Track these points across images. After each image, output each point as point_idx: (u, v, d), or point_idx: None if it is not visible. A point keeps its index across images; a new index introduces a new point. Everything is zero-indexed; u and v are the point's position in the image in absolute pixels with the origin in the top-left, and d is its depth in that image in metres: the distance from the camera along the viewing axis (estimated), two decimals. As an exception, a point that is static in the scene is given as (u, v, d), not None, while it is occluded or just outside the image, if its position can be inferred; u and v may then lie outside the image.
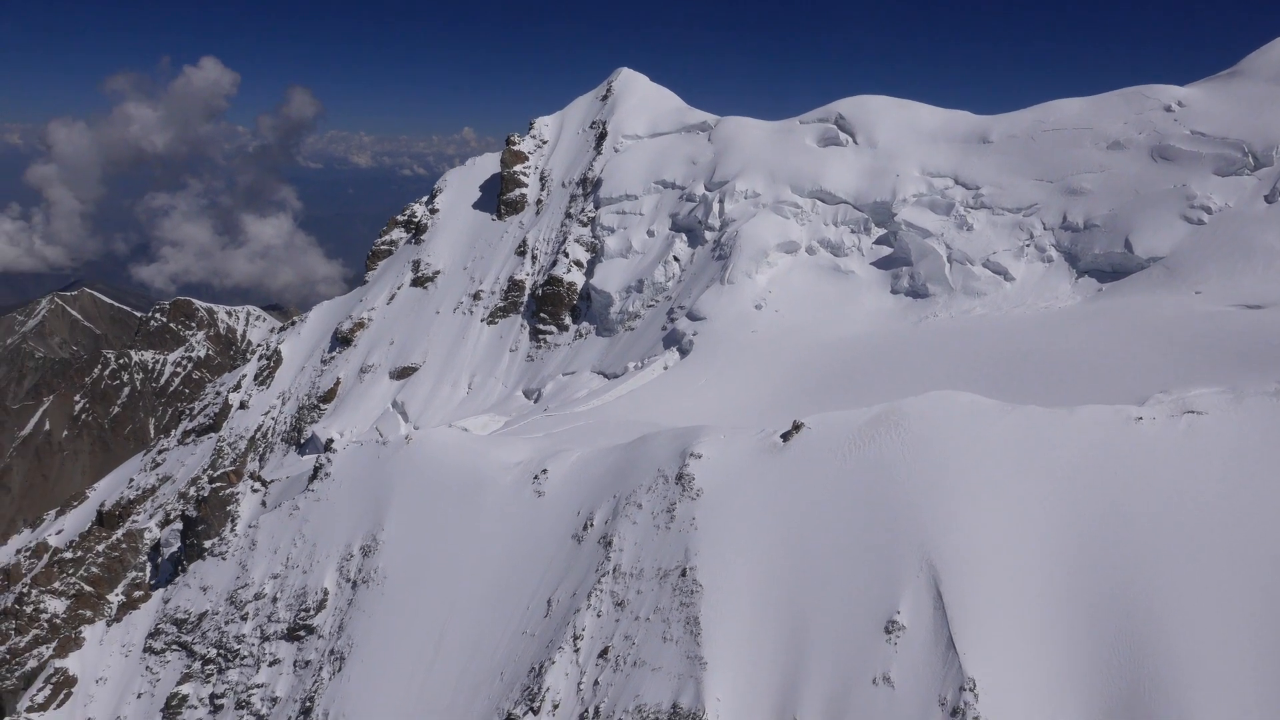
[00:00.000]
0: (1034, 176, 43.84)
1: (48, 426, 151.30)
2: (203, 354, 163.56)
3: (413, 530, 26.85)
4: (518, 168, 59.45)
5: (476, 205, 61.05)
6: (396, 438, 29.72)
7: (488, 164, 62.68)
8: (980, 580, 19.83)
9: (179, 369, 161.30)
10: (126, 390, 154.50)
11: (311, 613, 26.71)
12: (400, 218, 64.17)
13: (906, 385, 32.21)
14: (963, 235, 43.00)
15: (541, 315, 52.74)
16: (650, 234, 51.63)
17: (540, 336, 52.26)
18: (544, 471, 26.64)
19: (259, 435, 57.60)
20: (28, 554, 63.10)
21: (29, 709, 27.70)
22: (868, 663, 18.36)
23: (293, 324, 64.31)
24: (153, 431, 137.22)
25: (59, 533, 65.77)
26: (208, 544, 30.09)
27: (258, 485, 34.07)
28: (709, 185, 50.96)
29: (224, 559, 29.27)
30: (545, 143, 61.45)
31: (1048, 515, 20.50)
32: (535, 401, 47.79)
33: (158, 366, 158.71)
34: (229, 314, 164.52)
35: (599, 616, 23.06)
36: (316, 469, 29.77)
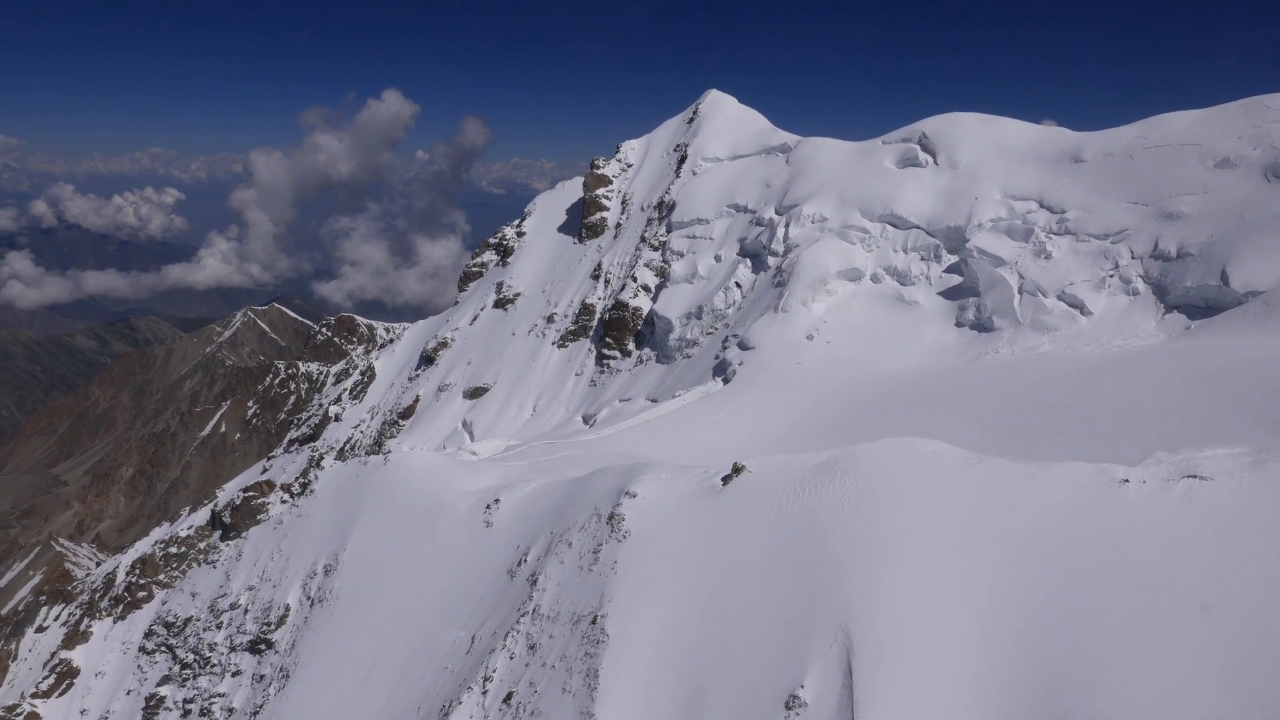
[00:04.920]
0: (1127, 199, 39.05)
1: (224, 429, 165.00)
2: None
3: (370, 552, 26.64)
4: (600, 191, 59.24)
5: (561, 229, 61.33)
6: (376, 459, 29.71)
7: (575, 188, 62.89)
8: (900, 658, 17.19)
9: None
10: (291, 398, 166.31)
11: (273, 627, 26.97)
12: (492, 240, 65.41)
13: (923, 425, 29.31)
14: (1039, 264, 38.80)
15: (607, 340, 52.06)
16: (717, 259, 49.94)
17: (604, 361, 51.56)
18: (496, 501, 25.77)
19: (348, 447, 59.90)
20: (162, 545, 68.51)
21: (33, 695, 29.42)
22: (764, 738, 16.31)
23: (391, 341, 66.75)
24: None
25: (189, 528, 71.03)
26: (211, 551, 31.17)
27: (286, 497, 35.07)
28: (779, 209, 48.77)
29: (215, 567, 30.17)
30: (630, 166, 61.00)
31: (993, 587, 17.59)
32: (590, 427, 47.06)
33: (320, 377, 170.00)
34: (386, 330, 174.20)
35: (511, 659, 21.85)
36: (304, 485, 30.22)
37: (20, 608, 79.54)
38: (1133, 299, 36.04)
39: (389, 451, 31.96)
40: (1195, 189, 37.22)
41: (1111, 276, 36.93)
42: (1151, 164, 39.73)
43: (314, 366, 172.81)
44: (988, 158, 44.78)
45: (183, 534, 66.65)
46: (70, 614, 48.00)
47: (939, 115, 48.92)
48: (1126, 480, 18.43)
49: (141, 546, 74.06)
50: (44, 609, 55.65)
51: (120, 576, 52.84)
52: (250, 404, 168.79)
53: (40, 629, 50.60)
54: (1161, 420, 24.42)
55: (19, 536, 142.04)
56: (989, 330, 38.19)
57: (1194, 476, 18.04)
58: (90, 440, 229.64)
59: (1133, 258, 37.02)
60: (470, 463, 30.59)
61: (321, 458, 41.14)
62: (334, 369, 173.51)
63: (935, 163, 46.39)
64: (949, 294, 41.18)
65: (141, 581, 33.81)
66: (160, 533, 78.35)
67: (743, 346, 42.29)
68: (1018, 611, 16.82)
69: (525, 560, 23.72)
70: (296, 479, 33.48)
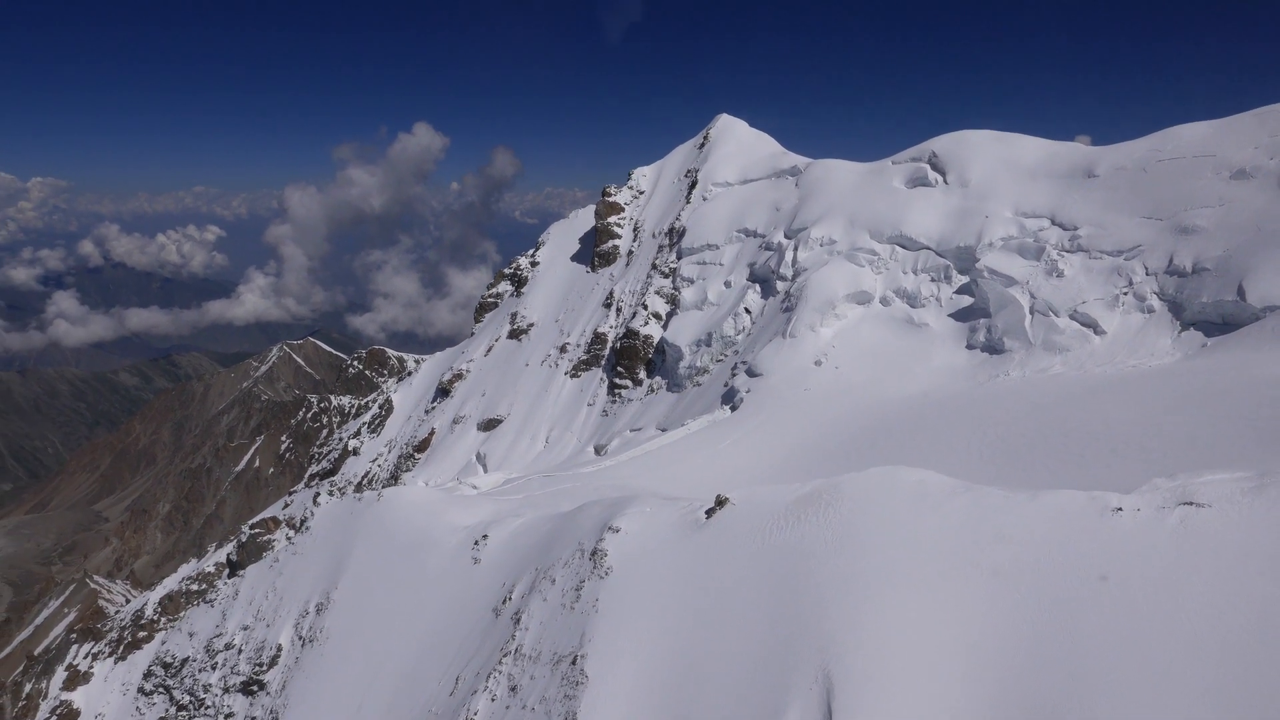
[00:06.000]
0: (1141, 214, 37.97)
1: (257, 463, 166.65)
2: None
3: (361, 590, 26.32)
4: (612, 219, 59.13)
5: (574, 257, 61.24)
6: (370, 494, 29.46)
7: (588, 216, 62.86)
8: (881, 697, 16.42)
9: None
10: (324, 432, 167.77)
11: (265, 668, 26.70)
12: (507, 270, 65.49)
13: (923, 451, 28.54)
14: (1050, 283, 37.79)
15: (619, 369, 51.67)
16: (727, 285, 49.44)
17: (616, 391, 51.13)
18: (484, 537, 25.34)
19: (365, 481, 59.97)
20: (188, 582, 68.98)
21: (33, 739, 29.37)
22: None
23: (408, 375, 66.94)
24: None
25: (214, 566, 71.49)
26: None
27: (291, 533, 34.98)
28: (788, 232, 48.23)
29: (213, 606, 30.04)
30: (642, 193, 60.86)
31: (978, 621, 16.82)
32: (601, 457, 46.59)
33: (352, 410, 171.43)
34: (416, 362, 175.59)
35: (493, 701, 21.32)
36: (300, 522, 30.05)
37: (53, 646, 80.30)
38: (1147, 316, 34.92)
39: (382, 488, 31.71)
40: (1210, 202, 36.11)
41: (1125, 294, 35.86)
42: (1165, 177, 38.67)
43: (346, 400, 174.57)
44: (998, 175, 43.93)
45: (208, 570, 67.21)
46: (99, 652, 48.23)
47: (949, 134, 48.20)
48: (1119, 509, 17.58)
49: (169, 584, 74.77)
50: (74, 647, 55.98)
51: (148, 614, 53.25)
52: (284, 438, 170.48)
53: (70, 667, 50.88)
54: (1165, 443, 23.41)
55: (58, 574, 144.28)
56: (1000, 352, 37.22)
57: (1190, 504, 17.13)
58: (131, 476, 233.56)
59: (1147, 274, 35.93)
60: (464, 497, 30.25)
61: (318, 494, 41.08)
62: (365, 402, 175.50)
63: (945, 182, 45.61)
64: (959, 315, 40.27)
65: (143, 622, 33.80)
66: (188, 569, 79.05)
67: (750, 373, 41.67)
68: (1004, 646, 16.02)
69: (510, 598, 23.24)
70: (301, 516, 33.36)
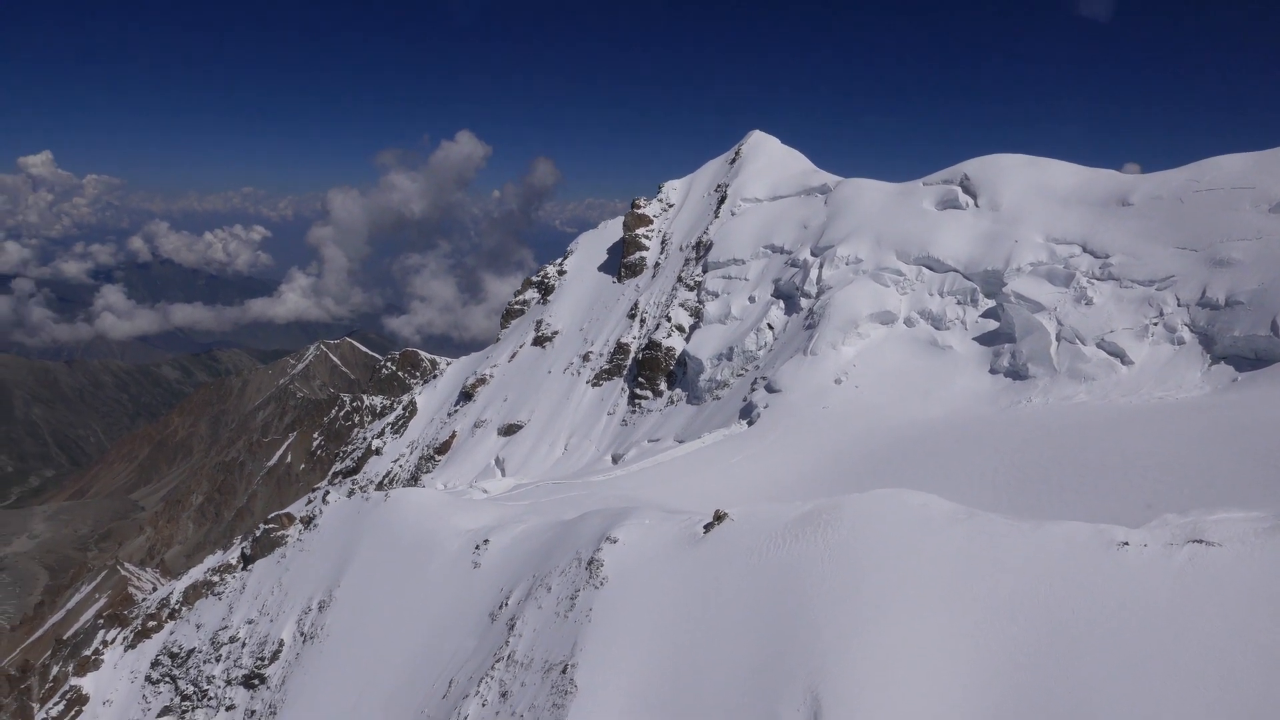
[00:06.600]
0: (1176, 244, 37.14)
1: (289, 459, 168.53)
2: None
3: (363, 589, 26.41)
4: (640, 231, 59.17)
5: (601, 268, 61.34)
6: (378, 495, 29.59)
7: (617, 227, 62.97)
8: (870, 724, 16.19)
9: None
10: (355, 430, 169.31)
11: (266, 662, 26.88)
12: (534, 278, 65.79)
13: (934, 475, 28.04)
14: (1079, 310, 37.07)
15: (640, 380, 51.58)
16: (751, 300, 49.20)
17: (636, 401, 51.04)
18: (485, 542, 25.32)
19: (386, 481, 60.38)
20: (213, 573, 69.88)
21: (41, 721, 29.83)
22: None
23: (434, 378, 67.39)
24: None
25: (235, 558, 72.33)
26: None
27: (302, 529, 35.24)
28: (815, 250, 47.91)
29: (220, 599, 30.33)
30: (671, 205, 60.85)
31: (974, 652, 16.44)
32: (617, 466, 46.48)
33: (382, 410, 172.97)
34: (448, 365, 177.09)
35: (483, 706, 21.25)
36: (308, 519, 30.29)
37: (82, 630, 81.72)
38: (1177, 348, 34.09)
39: (393, 489, 31.82)
40: (1247, 234, 35.24)
41: (1155, 325, 35.06)
42: (1202, 208, 37.82)
43: (378, 400, 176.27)
44: (1030, 200, 43.28)
45: (231, 563, 67.78)
46: (121, 638, 48.91)
47: (982, 157, 47.64)
48: (1125, 543, 17.12)
49: (195, 573, 75.72)
50: (101, 632, 56.93)
51: (172, 603, 54.00)
52: (316, 435, 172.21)
53: (96, 652, 51.71)
54: (1183, 478, 22.77)
55: (92, 560, 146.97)
56: (1024, 378, 36.55)
57: (1200, 541, 16.63)
58: (168, 467, 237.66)
59: (1179, 305, 35.11)
60: (471, 501, 30.29)
61: (327, 493, 41.42)
62: (393, 402, 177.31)
63: (976, 204, 45.03)
64: (984, 339, 39.64)
65: (152, 612, 34.26)
66: (213, 561, 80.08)
67: (769, 389, 41.35)
68: (998, 677, 15.65)
69: (506, 603, 23.19)
70: (310, 513, 33.65)
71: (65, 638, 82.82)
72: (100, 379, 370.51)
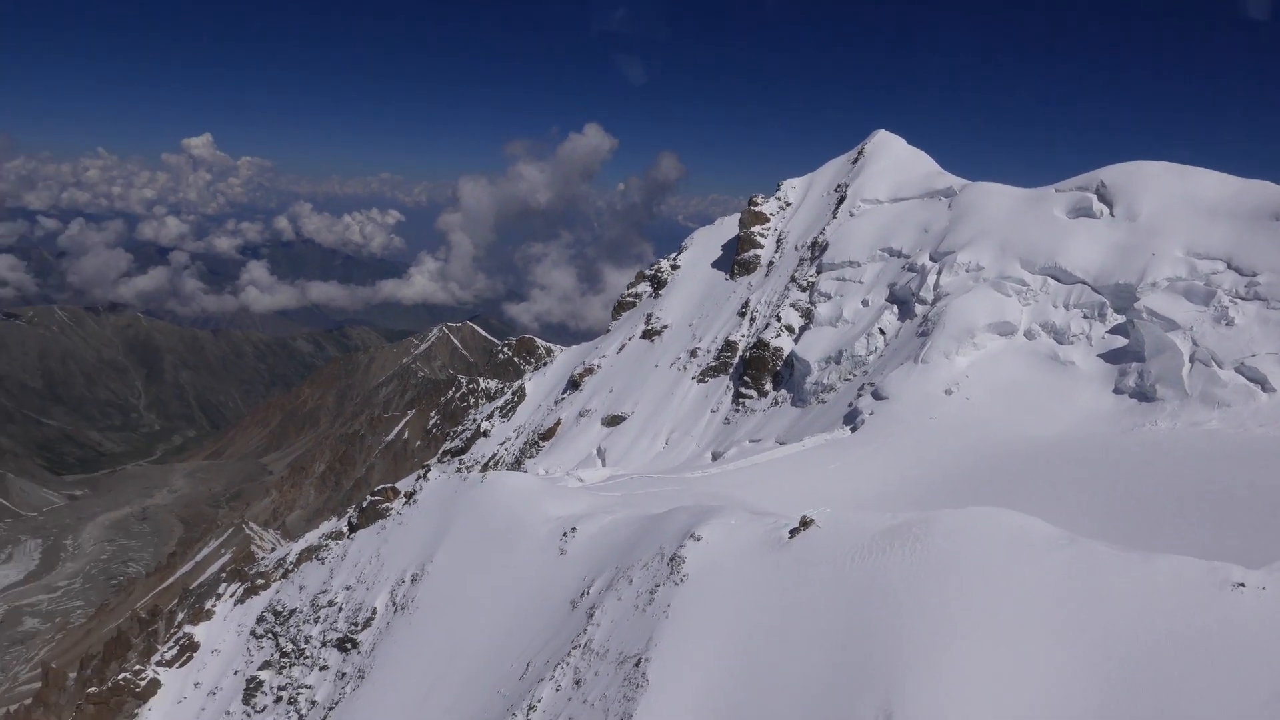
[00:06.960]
0: (1334, 264, 34.19)
1: (406, 435, 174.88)
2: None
3: (454, 566, 27.09)
4: (755, 228, 58.53)
5: (715, 264, 61.03)
6: (475, 475, 30.30)
7: (733, 224, 62.49)
8: (945, 751, 15.60)
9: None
10: (470, 411, 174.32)
11: (359, 628, 27.94)
12: (648, 272, 66.01)
13: (1041, 498, 26.68)
14: (1217, 331, 34.55)
15: (746, 379, 51.08)
16: (865, 303, 47.95)
17: (741, 400, 50.58)
18: (573, 530, 25.57)
19: (491, 463, 61.90)
20: (325, 539, 73.38)
21: (158, 662, 31.91)
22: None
23: (545, 365, 68.58)
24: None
25: (346, 526, 75.68)
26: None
27: (408, 502, 36.54)
28: (934, 255, 46.27)
29: (323, 564, 31.70)
30: (789, 204, 59.92)
31: (1062, 688, 15.65)
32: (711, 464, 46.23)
33: (498, 394, 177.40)
34: (560, 352, 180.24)
35: (557, 691, 21.50)
36: (409, 494, 31.29)
37: (206, 582, 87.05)
38: (1328, 378, 31.36)
39: (490, 472, 32.52)
40: None
41: (1304, 351, 32.35)
42: (1368, 226, 34.65)
43: (493, 383, 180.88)
44: (1173, 211, 40.55)
45: (342, 530, 70.70)
46: (234, 593, 51.89)
47: (1122, 163, 44.92)
48: (1241, 584, 15.88)
49: (310, 537, 79.51)
50: (223, 585, 60.60)
51: (288, 563, 56.92)
52: (432, 414, 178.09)
53: (212, 604, 55.09)
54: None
55: (221, 517, 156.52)
56: (1150, 399, 34.32)
57: (1330, 589, 15.31)
58: (296, 435, 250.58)
59: (1333, 331, 32.30)
60: (564, 489, 30.66)
61: (428, 470, 42.69)
62: (504, 387, 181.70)
63: (1111, 214, 42.52)
64: (1110, 357, 37.43)
65: (263, 571, 36.14)
66: (326, 527, 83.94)
67: (876, 396, 40.24)
68: (1086, 717, 14.78)
69: (588, 592, 23.37)
70: (414, 488, 34.80)
71: (192, 587, 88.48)
72: (241, 349, 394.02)
